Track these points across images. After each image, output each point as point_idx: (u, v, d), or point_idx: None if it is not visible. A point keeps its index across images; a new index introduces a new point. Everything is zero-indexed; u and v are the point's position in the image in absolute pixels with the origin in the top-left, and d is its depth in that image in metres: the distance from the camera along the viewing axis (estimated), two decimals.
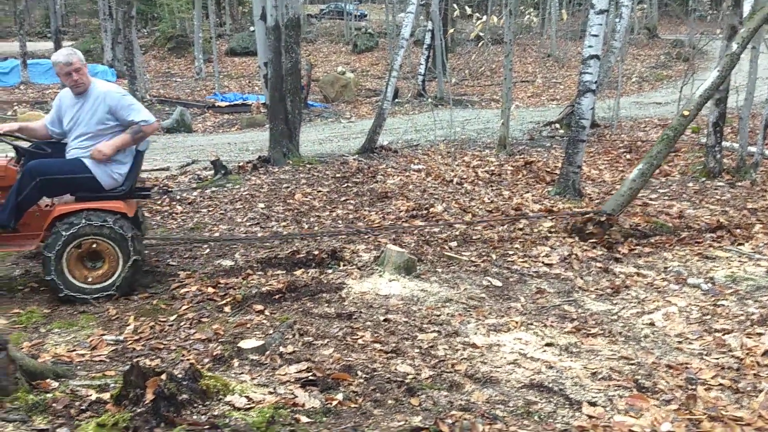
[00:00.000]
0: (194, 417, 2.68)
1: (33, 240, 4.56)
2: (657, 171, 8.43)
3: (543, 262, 5.13)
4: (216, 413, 2.72)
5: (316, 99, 19.03)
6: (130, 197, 4.76)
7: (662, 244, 5.65)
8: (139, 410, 2.67)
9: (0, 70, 22.00)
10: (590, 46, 7.64)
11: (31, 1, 24.06)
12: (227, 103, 17.47)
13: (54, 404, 2.86)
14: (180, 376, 2.81)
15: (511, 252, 5.38)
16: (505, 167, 8.99)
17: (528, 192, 7.61)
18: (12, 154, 4.83)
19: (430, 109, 17.27)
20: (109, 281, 4.48)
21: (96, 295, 4.44)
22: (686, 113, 6.27)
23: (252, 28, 33.51)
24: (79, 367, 3.46)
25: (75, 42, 30.85)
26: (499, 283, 4.69)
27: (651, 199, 7.45)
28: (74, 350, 3.67)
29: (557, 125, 13.30)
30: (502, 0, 32.67)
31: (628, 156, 10.34)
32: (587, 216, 5.98)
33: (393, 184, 7.88)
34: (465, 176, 8.26)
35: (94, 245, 4.42)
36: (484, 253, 5.33)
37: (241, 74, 26.53)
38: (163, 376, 2.74)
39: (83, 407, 2.85)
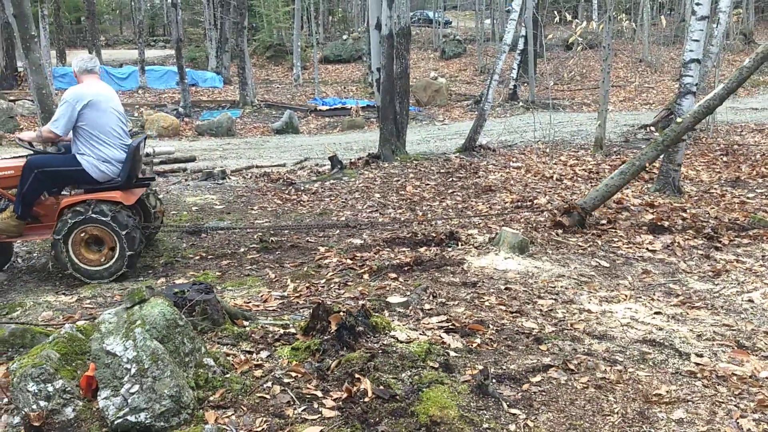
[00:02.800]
0: (368, 345, 3.37)
1: (51, 229, 5.12)
2: (754, 173, 8.59)
3: (647, 248, 5.56)
4: (385, 343, 3.39)
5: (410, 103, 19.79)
6: (129, 188, 5.26)
7: (760, 236, 5.94)
8: (326, 338, 3.38)
9: (119, 76, 24.08)
10: (691, 51, 7.94)
11: (142, 13, 26.17)
12: (328, 107, 18.50)
13: (253, 334, 3.63)
14: (355, 313, 3.51)
15: (616, 239, 5.83)
16: (603, 166, 9.35)
17: (627, 188, 7.97)
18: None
19: (521, 113, 17.69)
20: (110, 263, 5.06)
21: (98, 275, 5.05)
22: (679, 121, 6.46)
23: (345, 37, 34.85)
24: (257, 314, 4.24)
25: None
26: (606, 264, 5.17)
27: (749, 198, 7.65)
28: (249, 302, 4.45)
29: (652, 128, 13.43)
30: (592, 6, 32.49)
31: (724, 159, 10.43)
32: (566, 208, 6.24)
33: (495, 179, 8.44)
34: (563, 173, 8.69)
35: (95, 231, 5.00)
36: (590, 239, 5.81)
37: (335, 80, 27.72)
38: (343, 313, 3.46)
39: (276, 337, 3.60)
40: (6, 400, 3.06)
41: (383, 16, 9.10)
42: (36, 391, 2.87)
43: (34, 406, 2.83)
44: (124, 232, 5.01)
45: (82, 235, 5.04)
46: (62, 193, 5.41)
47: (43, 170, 5.05)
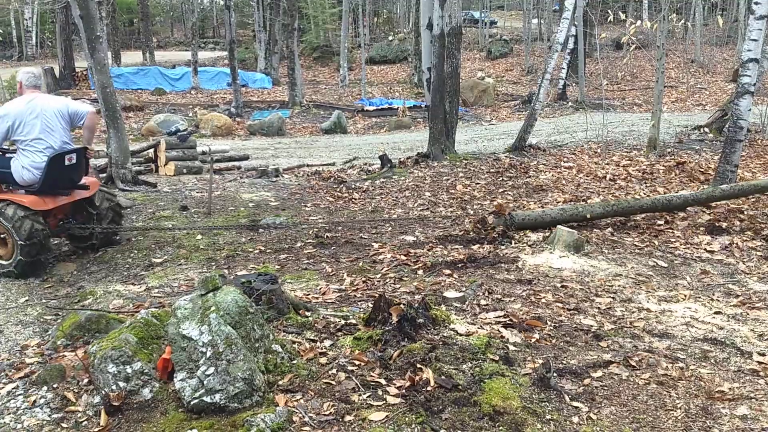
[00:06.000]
0: (429, 336, 3.45)
1: None
2: None
3: (705, 249, 5.49)
4: (445, 335, 3.47)
5: None
6: (49, 194, 5.51)
7: None
8: (387, 329, 3.47)
9: (172, 77, 24.74)
10: (749, 50, 7.78)
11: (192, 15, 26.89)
12: (374, 108, 18.66)
13: (316, 324, 3.75)
14: (415, 305, 3.59)
15: (673, 239, 5.77)
16: (657, 167, 9.21)
17: (683, 189, 7.85)
18: None
19: (570, 113, 17.51)
20: (8, 261, 5.38)
21: (2, 270, 5.40)
22: None
23: (390, 38, 35.02)
24: (317, 306, 4.36)
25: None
26: (664, 264, 5.13)
27: None
28: (309, 294, 4.58)
29: (706, 129, 13.14)
30: (642, 5, 31.84)
31: None
32: (496, 210, 6.19)
33: (546, 178, 8.41)
34: (617, 173, 8.61)
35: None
36: (646, 240, 5.76)
37: (381, 81, 27.89)
38: (404, 305, 3.54)
39: (338, 327, 3.71)
40: (86, 380, 3.24)
41: (435, 16, 9.17)
42: (115, 372, 3.04)
43: (114, 387, 3.00)
44: (19, 235, 5.26)
45: None
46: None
47: None
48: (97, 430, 2.87)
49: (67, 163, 5.51)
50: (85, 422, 2.94)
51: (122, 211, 6.36)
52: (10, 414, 3.05)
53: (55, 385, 3.21)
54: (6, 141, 5.54)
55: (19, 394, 3.21)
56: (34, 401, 3.12)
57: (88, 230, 5.89)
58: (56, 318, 4.42)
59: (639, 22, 8.98)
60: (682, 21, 14.25)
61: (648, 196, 7.36)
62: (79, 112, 5.65)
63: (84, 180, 5.80)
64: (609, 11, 10.31)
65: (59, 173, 5.51)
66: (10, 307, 4.71)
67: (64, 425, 2.93)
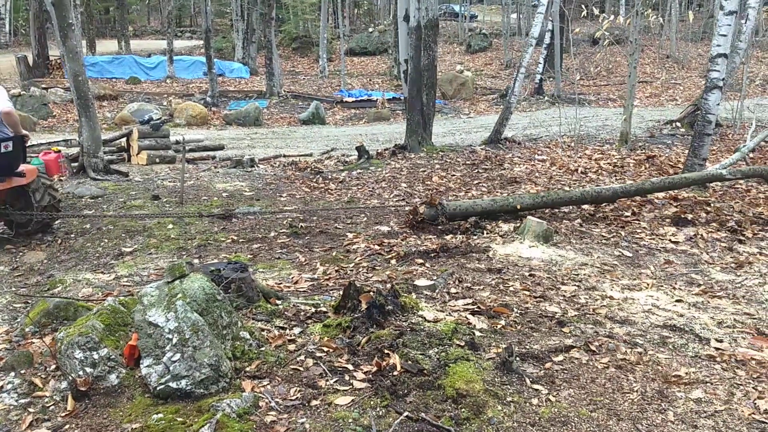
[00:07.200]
0: (397, 323, 3.50)
1: None
2: None
3: (670, 240, 5.61)
4: (413, 321, 3.53)
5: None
6: None
7: None
8: (356, 316, 3.52)
9: (147, 66, 24.46)
10: (718, 45, 7.93)
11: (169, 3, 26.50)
12: (354, 99, 18.65)
13: (286, 312, 3.79)
14: (384, 293, 3.64)
15: (639, 230, 5.89)
16: (627, 160, 9.37)
17: None
18: None
19: (547, 107, 17.67)
20: None
21: None
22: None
23: (370, 30, 34.94)
24: (288, 294, 4.39)
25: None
26: (629, 254, 5.24)
27: None
28: (281, 283, 4.61)
29: (678, 124, 13.36)
30: (619, 1, 32.12)
31: (751, 155, 10.35)
32: (429, 201, 6.21)
33: (520, 171, 8.51)
34: (589, 167, 8.74)
35: None
36: (613, 230, 5.87)
37: (360, 73, 27.84)
38: (373, 292, 3.59)
39: (308, 315, 3.76)
40: (54, 366, 3.24)
41: (411, 8, 9.20)
42: (82, 358, 3.06)
43: (81, 372, 3.02)
44: None
45: None
46: None
47: None
48: (64, 414, 2.88)
49: (2, 150, 5.62)
50: (53, 407, 2.95)
51: (59, 199, 6.42)
52: None
53: (22, 371, 3.21)
54: None
55: None
56: (1, 387, 3.12)
57: (26, 216, 6.00)
58: (25, 306, 4.40)
59: (612, 17, 9.09)
60: (657, 17, 14.46)
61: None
62: None
63: (22, 167, 5.90)
64: (584, 6, 10.42)
65: None
66: None
67: (31, 410, 2.94)
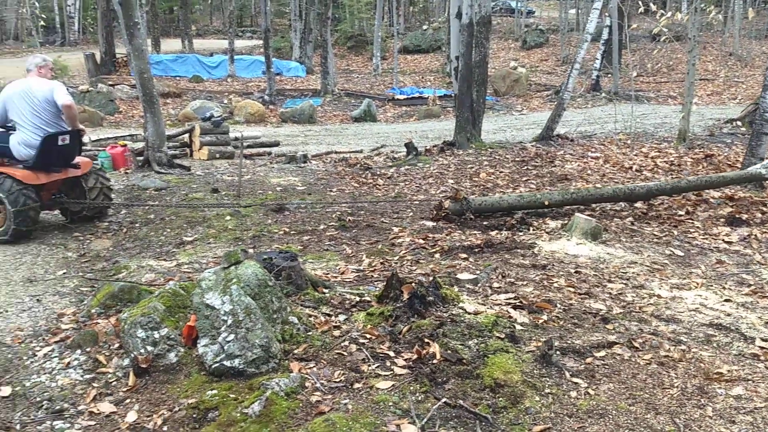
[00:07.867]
0: (438, 314, 3.60)
1: None
2: None
3: (723, 240, 5.52)
4: (453, 313, 3.62)
5: (487, 93, 19.80)
6: (42, 170, 5.94)
7: None
8: (398, 305, 3.64)
9: (210, 65, 25.17)
10: None
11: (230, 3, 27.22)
12: (405, 96, 18.76)
13: (332, 300, 3.94)
14: (426, 284, 3.74)
15: (692, 230, 5.80)
16: (685, 159, 9.16)
17: None
18: None
19: (603, 104, 17.36)
20: (2, 228, 5.86)
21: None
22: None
23: (425, 27, 34.95)
24: (335, 284, 4.55)
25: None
26: (681, 253, 5.18)
27: None
28: (328, 273, 4.77)
29: (739, 122, 12.94)
30: None
31: None
32: (454, 195, 6.20)
33: (571, 168, 8.45)
34: (644, 165, 8.60)
35: None
36: (666, 230, 5.80)
37: (413, 70, 27.92)
38: (415, 283, 3.70)
39: (353, 304, 3.90)
40: (117, 345, 3.48)
41: (464, 5, 9.24)
42: (144, 337, 3.28)
43: (142, 350, 3.23)
44: (12, 204, 5.76)
45: None
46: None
47: None
48: (125, 389, 3.11)
49: (60, 143, 6.00)
50: (115, 383, 3.18)
51: (111, 190, 6.79)
52: (45, 374, 3.31)
53: (88, 349, 3.46)
54: (6, 120, 6.03)
55: (55, 357, 3.47)
56: (68, 363, 3.37)
57: (80, 205, 6.42)
58: (92, 289, 4.70)
59: (670, 13, 8.90)
60: (717, 13, 14.00)
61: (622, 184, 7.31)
62: (57, 103, 5.97)
63: (77, 160, 6.30)
64: (641, 3, 10.23)
65: (52, 152, 5.98)
66: (48, 279, 5.01)
67: (95, 384, 3.17)
